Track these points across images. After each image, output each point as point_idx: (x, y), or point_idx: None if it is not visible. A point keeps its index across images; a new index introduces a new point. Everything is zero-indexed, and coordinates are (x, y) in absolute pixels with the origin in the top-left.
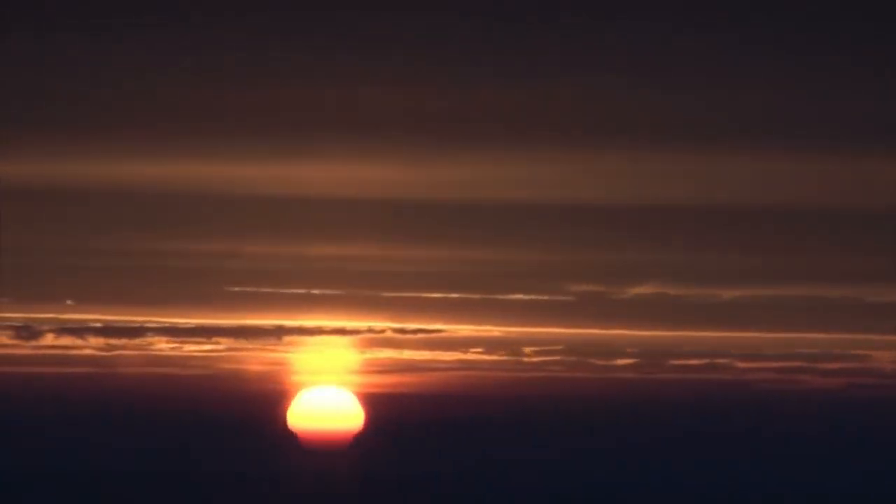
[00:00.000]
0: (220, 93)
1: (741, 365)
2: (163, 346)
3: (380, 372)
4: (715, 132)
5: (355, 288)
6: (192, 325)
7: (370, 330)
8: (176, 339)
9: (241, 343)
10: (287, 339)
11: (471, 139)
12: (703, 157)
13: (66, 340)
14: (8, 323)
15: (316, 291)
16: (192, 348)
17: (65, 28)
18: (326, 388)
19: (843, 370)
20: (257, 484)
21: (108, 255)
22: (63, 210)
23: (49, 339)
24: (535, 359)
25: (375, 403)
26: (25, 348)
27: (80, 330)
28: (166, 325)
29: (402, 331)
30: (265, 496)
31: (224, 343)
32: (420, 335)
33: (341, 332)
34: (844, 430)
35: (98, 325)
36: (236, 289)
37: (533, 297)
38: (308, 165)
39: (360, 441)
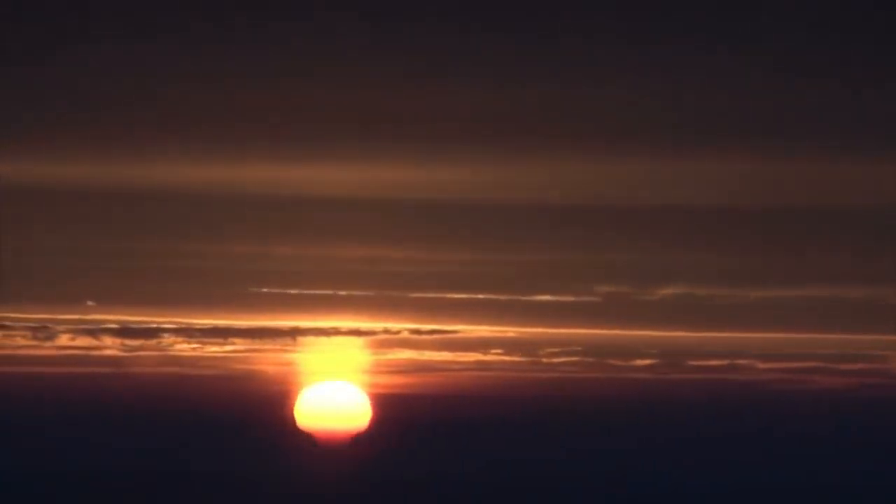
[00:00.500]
0: (241, 94)
1: (762, 366)
2: (182, 346)
3: (392, 372)
4: (738, 134)
5: (381, 289)
6: (209, 327)
7: (386, 331)
8: (192, 340)
9: (256, 344)
10: (302, 339)
11: (498, 140)
12: (725, 159)
13: (83, 341)
14: (25, 324)
15: (342, 293)
16: (205, 349)
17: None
18: (332, 385)
19: (861, 371)
20: (258, 482)
21: (131, 257)
22: (85, 211)
23: (65, 339)
24: (553, 360)
25: (384, 403)
26: (42, 349)
27: (96, 331)
28: (184, 325)
29: (418, 331)
30: (265, 493)
31: (239, 344)
32: (436, 336)
33: (357, 332)
34: (862, 430)
35: (115, 325)
36: (256, 290)
37: (559, 298)
38: (332, 166)
39: (365, 439)
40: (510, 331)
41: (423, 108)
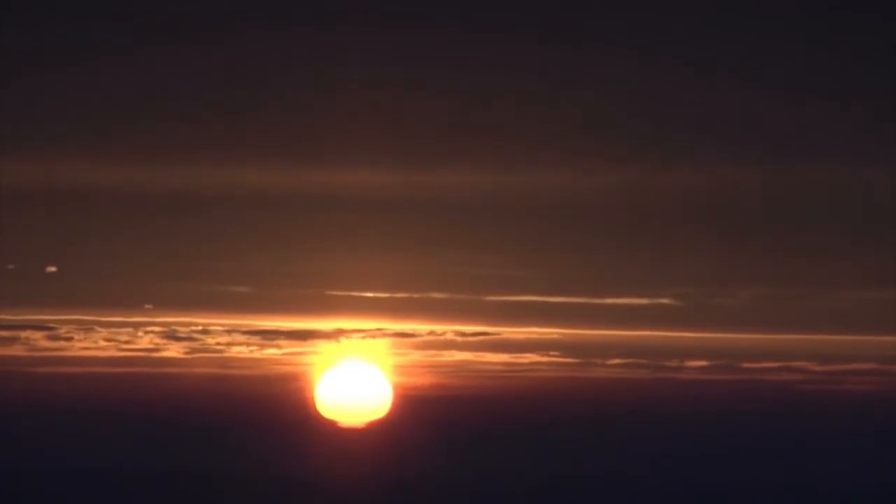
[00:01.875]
0: (284, 99)
1: (817, 368)
2: (232, 348)
3: (426, 373)
4: (806, 143)
5: (455, 293)
6: (256, 329)
7: (431, 333)
8: (239, 342)
9: (299, 345)
10: (345, 341)
11: (567, 146)
12: (789, 166)
13: (135, 343)
14: (78, 326)
15: (416, 295)
16: (259, 352)
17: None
18: (354, 378)
19: None
20: (271, 479)
21: (184, 260)
22: (140, 216)
23: (118, 340)
24: (608, 361)
25: (414, 402)
26: (92, 350)
27: (144, 333)
28: (230, 327)
29: (463, 333)
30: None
31: (284, 346)
32: (481, 337)
33: (401, 335)
34: None
35: (162, 328)
36: (302, 292)
37: (633, 301)
38: (388, 170)
39: (377, 438)
40: (572, 333)
41: (483, 117)
